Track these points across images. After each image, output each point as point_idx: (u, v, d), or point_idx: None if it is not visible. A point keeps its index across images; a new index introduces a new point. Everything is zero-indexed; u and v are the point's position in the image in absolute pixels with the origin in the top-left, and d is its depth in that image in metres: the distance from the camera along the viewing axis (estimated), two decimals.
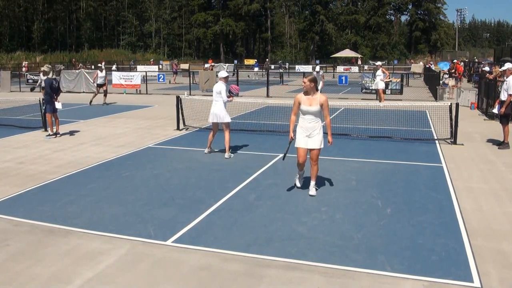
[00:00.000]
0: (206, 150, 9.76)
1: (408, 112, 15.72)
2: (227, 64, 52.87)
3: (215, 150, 9.85)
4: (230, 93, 9.64)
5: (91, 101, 19.66)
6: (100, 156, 9.60)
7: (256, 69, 47.41)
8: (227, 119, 9.37)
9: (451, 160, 9.15)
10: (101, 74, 19.86)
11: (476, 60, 21.73)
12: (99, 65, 23.64)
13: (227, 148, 9.42)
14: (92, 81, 20.28)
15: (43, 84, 13.44)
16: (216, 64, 47.25)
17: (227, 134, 9.40)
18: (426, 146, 10.56)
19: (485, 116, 15.52)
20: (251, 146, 10.57)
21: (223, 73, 9.55)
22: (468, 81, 30.56)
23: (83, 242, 5.16)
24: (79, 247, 5.02)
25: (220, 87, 9.31)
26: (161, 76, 29.08)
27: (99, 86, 19.86)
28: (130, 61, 60.96)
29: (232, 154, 9.55)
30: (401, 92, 23.25)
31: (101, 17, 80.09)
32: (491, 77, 17.53)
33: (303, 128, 6.65)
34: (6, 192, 7.03)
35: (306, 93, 6.59)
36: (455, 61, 27.91)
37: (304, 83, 6.62)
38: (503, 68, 10.83)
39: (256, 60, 59.56)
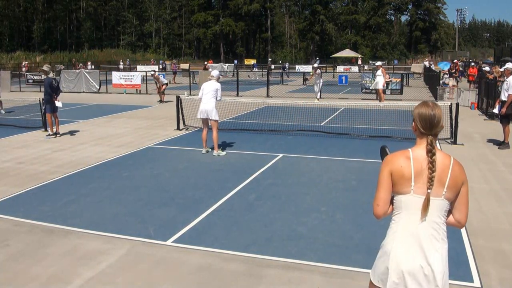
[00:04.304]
0: (203, 150, 9.79)
1: (408, 112, 15.69)
2: (227, 64, 52.89)
3: (211, 149, 9.84)
4: None
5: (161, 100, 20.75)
6: (100, 156, 9.59)
7: (255, 69, 47.41)
8: (217, 116, 9.49)
9: None
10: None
11: (486, 68, 21.51)
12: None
13: (215, 146, 9.53)
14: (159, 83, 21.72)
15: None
16: (216, 65, 47.45)
17: (214, 132, 9.47)
18: None
19: (485, 116, 15.52)
20: (251, 146, 10.57)
21: (218, 73, 9.92)
22: (468, 81, 30.53)
23: (83, 242, 5.15)
24: (79, 247, 5.02)
25: (216, 86, 9.49)
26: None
27: (164, 84, 21.24)
28: (127, 60, 61.06)
29: (224, 153, 9.61)
30: (401, 92, 23.24)
31: (101, 17, 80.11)
32: (491, 77, 17.53)
33: (408, 234, 2.61)
34: (6, 192, 7.02)
35: (418, 150, 2.58)
36: (464, 62, 27.82)
37: (424, 115, 2.57)
38: (504, 67, 10.83)
39: (254, 61, 59.53)
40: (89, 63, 47.47)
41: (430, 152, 2.51)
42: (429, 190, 2.49)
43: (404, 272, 2.55)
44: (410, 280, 2.55)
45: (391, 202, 2.67)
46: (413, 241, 2.57)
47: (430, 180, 2.48)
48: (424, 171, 2.50)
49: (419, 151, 2.57)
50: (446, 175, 2.51)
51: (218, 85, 9.53)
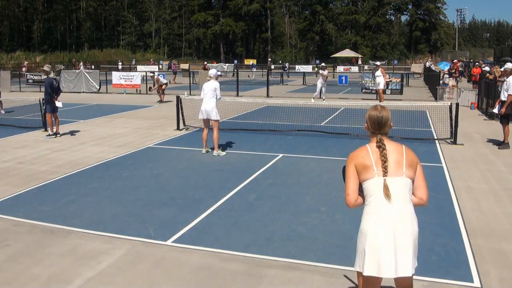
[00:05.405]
0: (203, 150, 9.79)
1: (408, 112, 15.71)
2: (227, 64, 52.91)
3: (211, 149, 9.84)
4: None
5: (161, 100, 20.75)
6: (100, 156, 9.60)
7: (254, 69, 47.40)
8: (218, 116, 9.48)
9: (451, 160, 9.15)
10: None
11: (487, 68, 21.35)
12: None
13: (215, 146, 9.54)
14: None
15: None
16: (216, 65, 47.58)
17: (215, 132, 9.49)
18: (426, 146, 10.55)
19: (485, 116, 15.52)
20: (251, 146, 10.57)
21: (215, 72, 9.86)
22: (468, 81, 30.56)
23: (83, 242, 5.15)
24: (79, 247, 5.02)
25: (215, 85, 9.48)
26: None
27: (163, 84, 21.33)
28: (132, 60, 61.03)
29: (224, 153, 9.63)
30: (401, 92, 23.24)
31: (101, 17, 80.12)
32: (491, 77, 17.53)
33: (382, 213, 2.91)
34: (6, 192, 7.02)
35: (373, 145, 3.02)
36: (464, 62, 27.72)
37: (374, 118, 3.05)
38: (504, 67, 10.82)
39: (253, 61, 59.47)
40: (81, 63, 46.25)
41: (380, 148, 2.95)
42: (384, 177, 2.90)
43: (381, 248, 2.83)
44: (387, 255, 2.82)
45: (361, 194, 3.02)
46: (387, 218, 2.86)
47: (385, 169, 2.91)
48: (379, 160, 2.94)
49: (374, 145, 3.00)
50: (402, 158, 2.95)
51: (217, 84, 9.51)
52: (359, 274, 3.00)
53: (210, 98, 9.43)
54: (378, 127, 3.01)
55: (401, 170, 2.92)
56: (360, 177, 2.98)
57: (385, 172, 2.90)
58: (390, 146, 2.98)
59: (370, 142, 3.05)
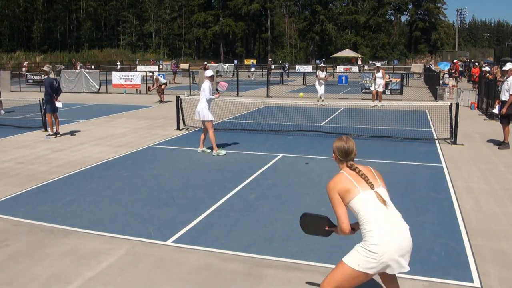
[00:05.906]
0: (199, 149, 9.82)
1: (408, 112, 15.72)
2: (227, 64, 52.92)
3: (208, 150, 9.82)
4: (217, 90, 10.13)
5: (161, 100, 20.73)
6: (100, 156, 9.60)
7: (253, 69, 47.43)
8: (209, 117, 9.49)
9: (451, 160, 9.15)
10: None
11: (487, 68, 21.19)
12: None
13: (213, 146, 9.56)
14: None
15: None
16: (216, 65, 47.61)
17: (210, 132, 9.53)
18: (426, 146, 10.55)
19: (485, 116, 15.52)
20: (251, 146, 10.57)
21: (208, 72, 9.90)
22: (468, 81, 30.56)
23: (83, 242, 5.15)
24: (79, 247, 5.02)
25: (203, 85, 9.55)
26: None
27: (163, 84, 21.30)
28: (135, 60, 61.05)
29: (224, 152, 9.62)
30: (401, 92, 23.24)
31: (101, 17, 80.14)
32: (491, 77, 17.53)
33: (382, 225, 3.11)
34: (6, 192, 7.02)
35: (346, 169, 3.33)
36: (464, 62, 27.69)
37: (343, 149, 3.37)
38: (505, 68, 10.81)
39: (253, 61, 59.43)
40: (78, 63, 45.97)
41: (354, 171, 3.27)
42: (374, 190, 3.19)
43: (397, 256, 3.07)
44: (400, 257, 3.07)
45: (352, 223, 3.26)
46: (390, 227, 3.09)
47: (370, 184, 3.20)
48: (359, 179, 3.22)
49: (348, 169, 3.31)
50: (374, 174, 3.30)
51: (205, 85, 9.53)
52: (352, 270, 3.18)
53: (201, 99, 9.57)
54: (346, 156, 3.35)
55: (378, 183, 3.26)
56: (346, 200, 3.18)
57: (372, 186, 3.19)
58: (361, 168, 3.32)
59: (341, 169, 3.37)
